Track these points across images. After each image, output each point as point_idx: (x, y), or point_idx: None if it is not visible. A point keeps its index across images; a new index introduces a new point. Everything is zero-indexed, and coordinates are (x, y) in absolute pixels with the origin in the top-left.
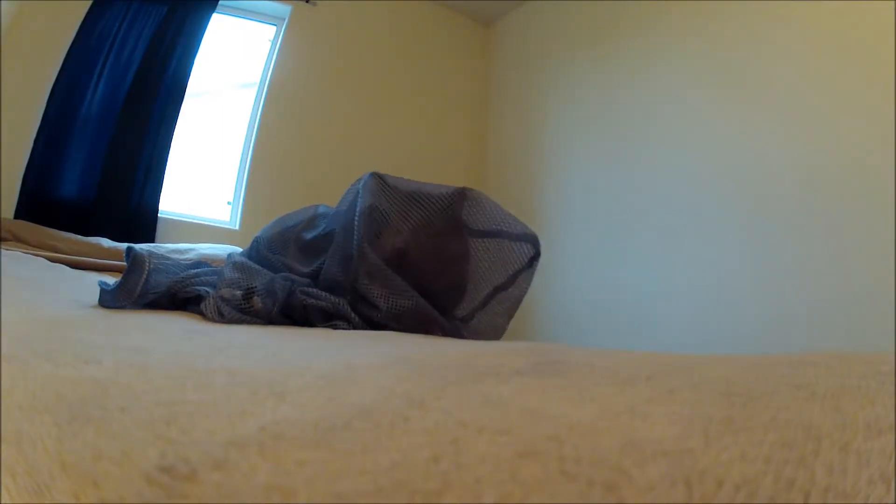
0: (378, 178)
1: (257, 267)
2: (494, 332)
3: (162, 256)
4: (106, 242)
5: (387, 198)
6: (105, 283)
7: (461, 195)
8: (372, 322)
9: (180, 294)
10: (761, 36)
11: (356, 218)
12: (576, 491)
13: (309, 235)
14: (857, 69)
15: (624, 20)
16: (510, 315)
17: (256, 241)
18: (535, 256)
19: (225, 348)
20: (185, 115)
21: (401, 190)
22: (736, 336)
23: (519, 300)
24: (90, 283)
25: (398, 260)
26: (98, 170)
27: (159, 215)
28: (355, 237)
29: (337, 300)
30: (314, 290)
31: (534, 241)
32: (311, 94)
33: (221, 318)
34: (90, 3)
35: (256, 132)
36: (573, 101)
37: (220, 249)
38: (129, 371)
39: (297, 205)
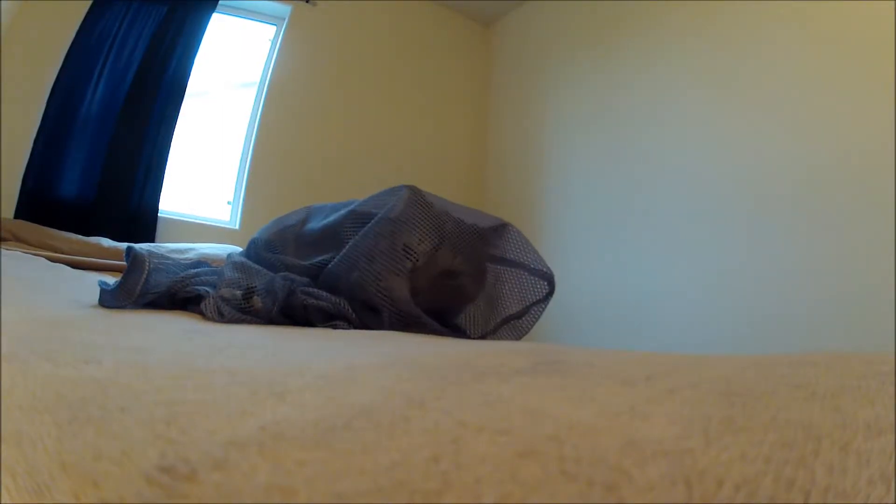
0: (419, 196)
1: (257, 267)
2: None
3: (162, 256)
4: (106, 242)
5: (432, 226)
6: (105, 283)
7: (501, 228)
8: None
9: (180, 294)
10: (761, 36)
11: (393, 241)
12: (576, 491)
13: (308, 228)
14: (857, 69)
15: (624, 20)
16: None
17: (254, 243)
18: (550, 293)
19: (225, 348)
20: (185, 115)
21: (447, 216)
22: (736, 336)
23: (526, 331)
24: (90, 283)
25: (447, 277)
26: (98, 170)
27: (159, 215)
28: (384, 257)
29: (338, 300)
30: (315, 290)
31: (550, 280)
32: (311, 94)
33: (221, 317)
34: (90, 3)
35: (256, 132)
36: (573, 101)
37: (220, 249)
38: (129, 371)
39: (297, 205)
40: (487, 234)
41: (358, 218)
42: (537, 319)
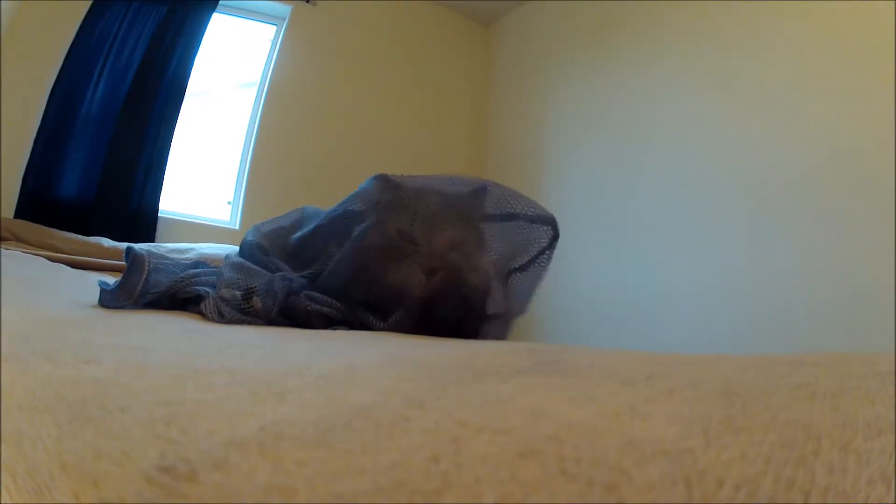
0: (388, 181)
1: (256, 267)
2: (517, 312)
3: (162, 256)
4: (106, 242)
5: (416, 205)
6: (105, 283)
7: (482, 189)
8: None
9: (180, 294)
10: (761, 36)
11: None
12: (576, 491)
13: (296, 236)
14: (856, 69)
15: (624, 20)
16: (529, 295)
17: (249, 246)
18: (555, 237)
19: (225, 348)
20: (185, 115)
21: (426, 192)
22: (736, 336)
23: (536, 283)
24: (90, 283)
25: (455, 249)
26: (98, 170)
27: (159, 215)
28: (382, 252)
29: (341, 306)
30: (317, 294)
31: (552, 223)
32: (311, 94)
33: (221, 318)
34: (90, 3)
35: (256, 132)
36: (573, 100)
37: (220, 249)
38: (129, 371)
39: (297, 205)
40: (471, 198)
41: (336, 220)
42: (546, 268)
